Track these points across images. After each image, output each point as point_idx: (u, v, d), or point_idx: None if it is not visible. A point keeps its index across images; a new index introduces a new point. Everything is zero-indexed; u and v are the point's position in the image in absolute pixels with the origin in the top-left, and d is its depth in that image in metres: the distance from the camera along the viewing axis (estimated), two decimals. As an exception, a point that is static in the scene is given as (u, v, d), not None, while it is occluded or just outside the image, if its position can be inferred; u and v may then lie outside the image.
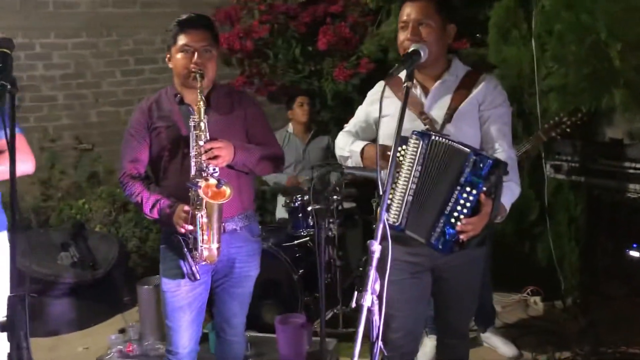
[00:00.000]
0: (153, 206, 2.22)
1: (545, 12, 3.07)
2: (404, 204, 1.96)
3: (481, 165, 1.80)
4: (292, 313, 3.15)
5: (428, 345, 3.21)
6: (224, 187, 2.07)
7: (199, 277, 2.19)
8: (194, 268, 2.16)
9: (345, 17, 4.59)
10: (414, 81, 2.11)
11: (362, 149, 2.16)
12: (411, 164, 1.94)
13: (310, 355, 2.93)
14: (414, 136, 1.94)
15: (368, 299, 1.43)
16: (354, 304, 1.45)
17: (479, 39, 4.07)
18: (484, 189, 1.82)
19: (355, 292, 1.46)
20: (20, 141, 2.30)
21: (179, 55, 2.23)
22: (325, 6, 4.64)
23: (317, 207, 2.61)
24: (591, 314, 3.46)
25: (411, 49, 1.86)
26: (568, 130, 2.80)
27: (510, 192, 2.00)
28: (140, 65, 6.42)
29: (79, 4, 6.20)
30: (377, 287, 1.48)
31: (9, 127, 1.61)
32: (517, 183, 2.06)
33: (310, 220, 3.45)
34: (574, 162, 3.55)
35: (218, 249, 2.13)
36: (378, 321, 1.50)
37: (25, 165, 2.28)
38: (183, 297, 2.28)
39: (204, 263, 2.15)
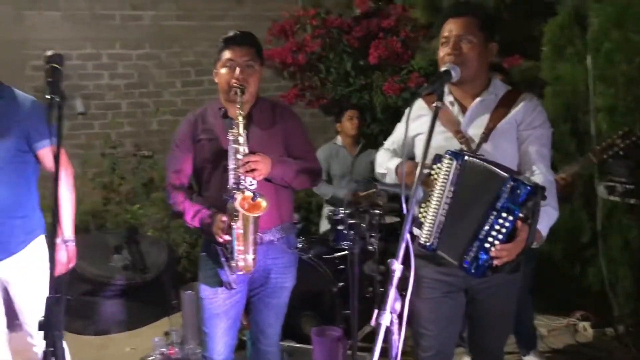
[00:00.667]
0: (194, 215, 2.30)
1: (594, 31, 2.98)
2: (436, 224, 1.95)
3: (519, 191, 1.76)
4: (329, 325, 3.16)
5: (467, 365, 3.16)
6: (259, 200, 2.11)
7: (235, 287, 2.25)
8: (230, 277, 2.22)
9: (398, 31, 4.62)
10: (452, 99, 2.12)
11: (397, 166, 2.18)
12: (444, 184, 1.93)
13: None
14: (447, 155, 1.94)
15: (387, 318, 1.44)
16: (373, 322, 1.46)
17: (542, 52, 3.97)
18: (521, 215, 1.78)
19: (375, 311, 1.47)
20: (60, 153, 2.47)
21: (223, 70, 2.31)
22: (378, 21, 4.68)
23: (352, 221, 2.63)
24: (644, 344, 3.32)
25: (443, 68, 1.86)
26: (621, 152, 2.70)
27: (547, 217, 1.96)
28: (200, 76, 6.65)
29: (143, 17, 6.50)
30: (398, 306, 1.48)
31: (57, 138, 1.70)
32: (555, 207, 2.01)
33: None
34: (628, 183, 3.42)
35: (254, 259, 2.18)
36: (397, 341, 1.51)
37: (70, 179, 2.58)
38: (220, 304, 2.34)
39: (240, 273, 2.21)
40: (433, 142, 2.09)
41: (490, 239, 1.81)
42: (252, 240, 2.16)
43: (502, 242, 1.80)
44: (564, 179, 2.72)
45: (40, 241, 2.55)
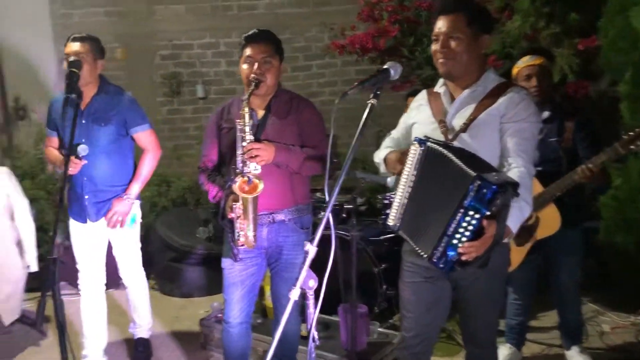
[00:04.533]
0: (215, 195, 2.62)
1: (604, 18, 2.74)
2: (400, 206, 2.06)
3: (485, 190, 1.79)
4: (367, 304, 3.31)
5: (501, 354, 3.15)
6: (255, 182, 2.36)
7: (237, 259, 2.52)
8: (234, 250, 2.50)
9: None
10: (445, 90, 2.20)
11: (385, 157, 2.29)
12: (409, 169, 2.03)
13: (370, 344, 3.10)
14: (414, 142, 2.03)
15: (295, 293, 1.62)
16: (289, 296, 1.65)
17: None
18: (487, 213, 1.82)
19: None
20: (151, 135, 3.18)
21: (244, 66, 2.57)
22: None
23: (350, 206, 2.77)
24: None
25: (384, 66, 1.94)
26: None
27: (519, 212, 1.97)
28: (309, 61, 6.99)
29: (258, 6, 6.95)
30: (312, 283, 1.65)
31: (71, 128, 2.08)
32: (529, 202, 2.01)
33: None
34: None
35: (254, 236, 2.43)
36: (313, 314, 1.68)
37: (156, 157, 3.21)
38: (236, 274, 2.63)
39: (241, 247, 2.47)
40: (421, 130, 2.19)
41: (457, 236, 1.87)
42: (252, 219, 2.41)
43: (469, 239, 1.85)
44: (590, 169, 2.61)
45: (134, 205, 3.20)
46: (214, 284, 4.46)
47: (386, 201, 3.64)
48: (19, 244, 3.48)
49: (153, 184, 5.21)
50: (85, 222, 3.12)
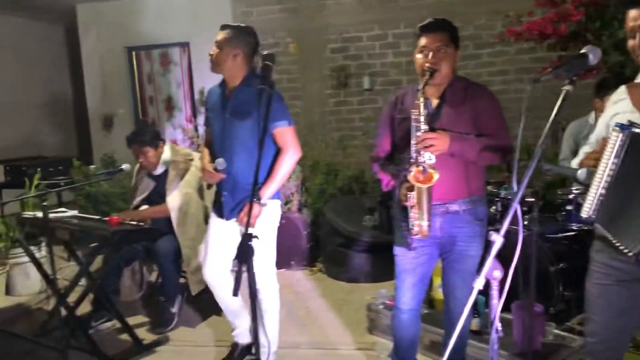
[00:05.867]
0: (387, 184, 2.66)
1: None
2: (596, 197, 1.91)
3: None
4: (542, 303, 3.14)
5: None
6: (430, 172, 2.34)
7: (410, 248, 2.53)
8: (407, 239, 2.52)
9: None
10: None
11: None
12: (608, 156, 1.88)
13: (545, 345, 2.94)
14: (615, 127, 1.88)
15: (479, 282, 1.59)
16: (473, 285, 1.62)
17: None
18: None
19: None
20: (290, 133, 2.99)
21: (419, 56, 2.56)
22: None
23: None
24: None
25: (582, 51, 1.79)
26: None
27: None
28: (478, 49, 6.80)
29: (426, -5, 6.90)
30: (497, 274, 1.61)
31: (264, 120, 2.23)
32: None
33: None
34: None
35: (428, 226, 2.42)
36: (496, 305, 1.64)
37: (294, 157, 2.99)
38: (408, 262, 2.64)
39: (415, 236, 2.48)
40: (622, 120, 2.02)
41: None
42: (427, 209, 2.40)
43: None
44: None
45: (271, 203, 3.02)
46: (379, 271, 4.54)
47: (571, 196, 3.44)
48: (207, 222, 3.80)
49: (322, 172, 5.43)
50: (222, 217, 3.11)
